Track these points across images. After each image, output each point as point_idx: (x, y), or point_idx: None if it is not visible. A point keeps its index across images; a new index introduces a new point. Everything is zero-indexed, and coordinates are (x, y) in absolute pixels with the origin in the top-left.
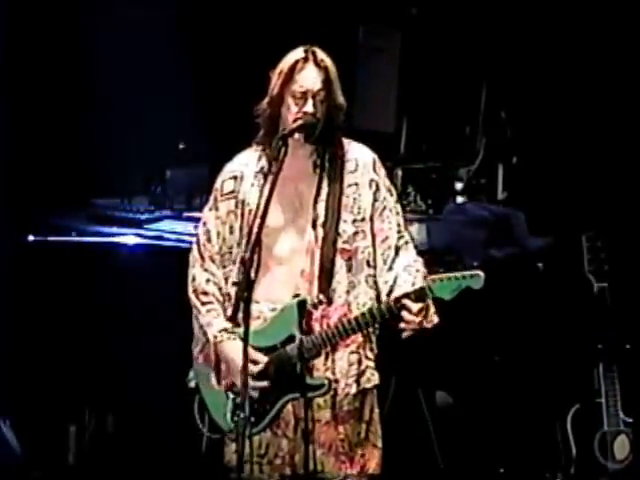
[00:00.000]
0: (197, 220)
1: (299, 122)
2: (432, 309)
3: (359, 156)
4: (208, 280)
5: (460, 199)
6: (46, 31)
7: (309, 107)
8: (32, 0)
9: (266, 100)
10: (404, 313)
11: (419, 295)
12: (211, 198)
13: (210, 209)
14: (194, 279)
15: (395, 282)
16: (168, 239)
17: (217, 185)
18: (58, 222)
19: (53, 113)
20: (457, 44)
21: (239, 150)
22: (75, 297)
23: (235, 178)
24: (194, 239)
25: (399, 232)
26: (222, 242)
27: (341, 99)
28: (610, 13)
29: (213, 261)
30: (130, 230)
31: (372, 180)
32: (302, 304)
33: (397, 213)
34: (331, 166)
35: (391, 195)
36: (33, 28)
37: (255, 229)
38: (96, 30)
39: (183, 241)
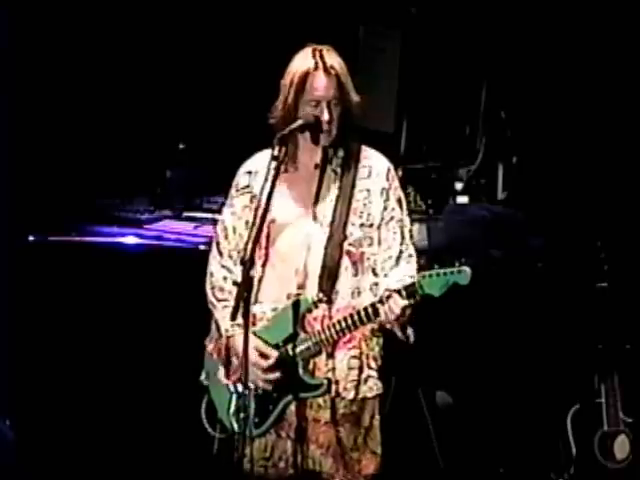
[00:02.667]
0: (197, 220)
1: (299, 122)
2: (410, 328)
3: (374, 163)
4: (225, 277)
5: (460, 199)
6: (48, 32)
7: (325, 116)
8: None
9: (280, 107)
10: (387, 306)
11: (410, 292)
12: (229, 195)
13: (227, 206)
14: (212, 275)
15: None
16: (168, 239)
17: (234, 181)
18: (58, 222)
19: (53, 113)
20: (457, 44)
21: (239, 150)
22: (75, 297)
23: (250, 173)
24: (214, 234)
25: (402, 244)
26: (239, 238)
27: (354, 97)
28: (610, 13)
29: (230, 257)
30: (130, 230)
31: (384, 189)
32: (298, 303)
33: (403, 226)
34: (345, 168)
35: (400, 207)
36: (35, 28)
37: (248, 230)
38: (98, 30)
39: (183, 241)
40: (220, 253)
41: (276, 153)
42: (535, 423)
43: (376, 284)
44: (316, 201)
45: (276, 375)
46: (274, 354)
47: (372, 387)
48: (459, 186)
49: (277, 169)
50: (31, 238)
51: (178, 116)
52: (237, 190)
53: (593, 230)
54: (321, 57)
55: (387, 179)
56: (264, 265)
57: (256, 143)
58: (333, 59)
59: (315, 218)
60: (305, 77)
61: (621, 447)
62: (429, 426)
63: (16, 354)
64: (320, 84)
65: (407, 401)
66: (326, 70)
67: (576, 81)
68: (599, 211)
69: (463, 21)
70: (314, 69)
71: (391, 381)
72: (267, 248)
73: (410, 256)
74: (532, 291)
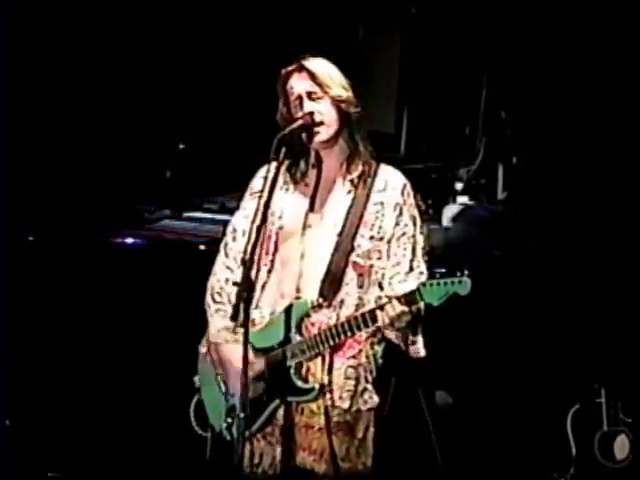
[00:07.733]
0: (197, 220)
1: (299, 122)
2: (420, 341)
3: (390, 178)
4: (227, 279)
5: (460, 199)
6: (49, 31)
7: (307, 107)
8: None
9: (279, 116)
10: (384, 311)
11: (409, 299)
12: (242, 198)
13: (239, 209)
14: (215, 274)
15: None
16: (168, 239)
17: (249, 185)
18: (58, 222)
19: (53, 113)
20: (457, 43)
21: (239, 150)
22: (75, 297)
23: (266, 178)
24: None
25: (413, 260)
26: (247, 241)
27: (343, 92)
28: (610, 13)
29: (235, 260)
30: (130, 230)
31: (397, 204)
32: (295, 306)
33: (416, 242)
34: (359, 179)
35: (414, 224)
36: (36, 28)
37: (254, 231)
38: (98, 30)
39: (183, 241)
40: (226, 254)
41: (274, 154)
42: (535, 423)
43: (380, 297)
44: (312, 208)
45: (257, 390)
46: (260, 363)
47: (367, 400)
48: (459, 186)
49: (277, 169)
50: (31, 238)
51: (178, 116)
52: (251, 194)
53: (593, 230)
54: (300, 60)
55: (402, 195)
56: (270, 272)
57: (256, 143)
58: (313, 61)
59: (309, 225)
60: (284, 82)
61: (621, 447)
62: (429, 426)
63: (16, 354)
64: (293, 81)
65: (407, 401)
66: (300, 70)
67: (576, 81)
68: (599, 211)
69: (463, 21)
70: (291, 72)
71: (391, 381)
72: (274, 254)
73: (421, 273)
74: (532, 291)
